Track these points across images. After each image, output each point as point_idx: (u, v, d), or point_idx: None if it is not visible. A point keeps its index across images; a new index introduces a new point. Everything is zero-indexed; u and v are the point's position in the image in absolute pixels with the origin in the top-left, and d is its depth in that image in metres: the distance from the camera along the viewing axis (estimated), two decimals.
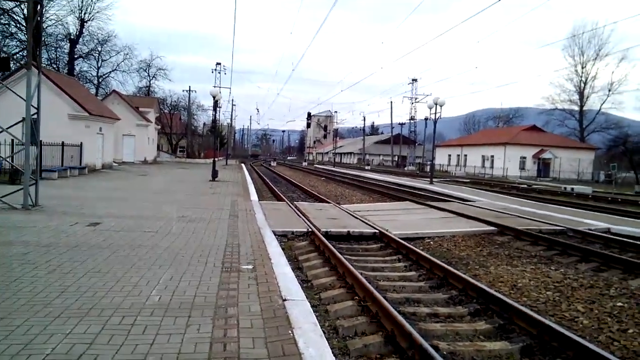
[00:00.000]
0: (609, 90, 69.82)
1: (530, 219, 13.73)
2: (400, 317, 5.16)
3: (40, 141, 13.74)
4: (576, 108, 73.25)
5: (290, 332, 4.42)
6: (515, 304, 5.92)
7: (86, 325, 4.30)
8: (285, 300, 5.37)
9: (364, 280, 6.59)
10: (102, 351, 3.80)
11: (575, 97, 72.62)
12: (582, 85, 71.47)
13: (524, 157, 59.03)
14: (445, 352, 4.78)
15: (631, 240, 10.67)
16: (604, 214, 16.56)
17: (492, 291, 6.46)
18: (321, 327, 4.79)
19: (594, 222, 13.55)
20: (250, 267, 6.84)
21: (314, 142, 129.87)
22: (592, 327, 5.73)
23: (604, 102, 70.83)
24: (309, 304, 5.41)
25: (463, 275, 7.25)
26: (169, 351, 3.87)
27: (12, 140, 19.26)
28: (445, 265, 7.81)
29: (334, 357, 4.01)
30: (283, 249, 8.62)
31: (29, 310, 4.62)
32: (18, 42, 43.29)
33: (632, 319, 5.94)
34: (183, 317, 4.64)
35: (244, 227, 10.49)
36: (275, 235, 9.90)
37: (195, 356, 3.81)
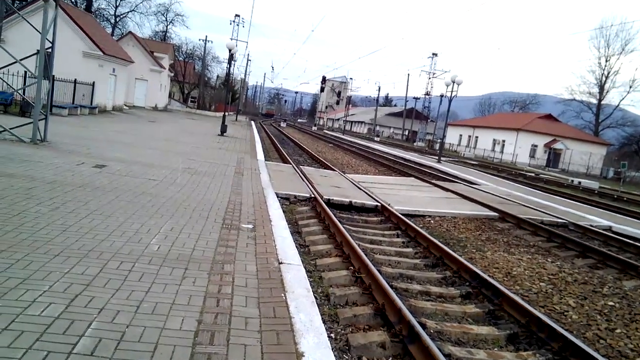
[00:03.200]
0: (630, 87, 68.51)
1: (533, 209, 13.70)
2: (392, 292, 5.21)
3: (53, 76, 13.67)
4: (594, 101, 72.04)
5: (283, 295, 4.49)
6: (507, 291, 5.96)
7: (84, 267, 4.37)
8: (281, 263, 5.43)
9: (360, 251, 6.64)
10: (98, 294, 3.88)
11: (595, 90, 71.31)
12: (604, 78, 70.02)
13: (536, 145, 58.51)
14: (432, 331, 4.86)
15: (631, 241, 10.65)
16: (607, 212, 16.50)
17: (485, 276, 6.51)
18: (313, 293, 4.87)
19: (596, 219, 13.51)
20: (250, 226, 6.89)
21: (326, 107, 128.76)
22: (581, 322, 5.79)
23: (623, 98, 69.65)
24: (304, 269, 5.48)
25: (458, 257, 7.29)
26: (163, 301, 3.94)
27: (25, 73, 19.21)
28: (443, 245, 7.84)
29: (323, 324, 4.08)
30: (284, 212, 8.67)
31: (30, 245, 4.69)
32: None
33: (622, 319, 5.99)
34: (180, 269, 4.71)
35: (247, 185, 10.53)
36: (277, 197, 9.95)
37: (189, 308, 3.88)
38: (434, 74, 73.03)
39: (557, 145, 57.59)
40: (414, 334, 4.39)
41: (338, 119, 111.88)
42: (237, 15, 60.62)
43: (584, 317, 5.95)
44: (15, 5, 18.34)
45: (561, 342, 4.79)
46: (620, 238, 10.96)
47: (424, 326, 4.74)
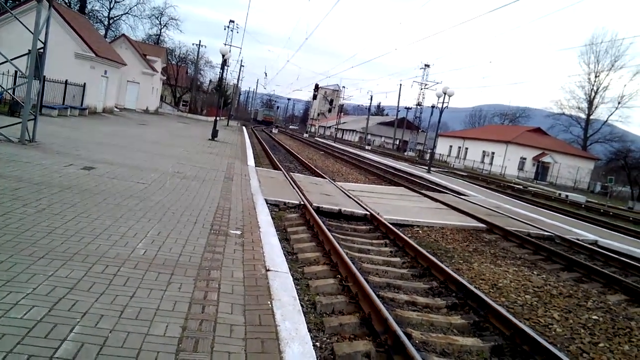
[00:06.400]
0: (619, 103, 69.60)
1: (521, 221, 13.80)
2: (378, 302, 5.22)
3: (44, 76, 13.57)
4: (583, 116, 73.05)
5: (269, 302, 4.47)
6: (493, 303, 5.98)
7: (69, 270, 4.33)
8: (268, 270, 5.42)
9: (348, 260, 6.64)
10: (82, 297, 3.84)
11: (584, 105, 72.34)
12: (593, 94, 71.09)
13: (524, 158, 59.06)
14: (417, 341, 4.86)
15: (616, 256, 10.77)
16: (593, 226, 16.66)
17: (471, 287, 6.53)
18: (300, 301, 4.85)
19: (582, 233, 13.64)
20: (238, 232, 6.87)
21: (318, 115, 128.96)
22: (565, 336, 5.83)
23: (611, 114, 70.69)
24: (291, 277, 5.47)
25: (446, 268, 7.31)
26: (148, 306, 3.91)
27: (16, 72, 19.07)
28: (430, 256, 7.87)
29: (308, 333, 4.07)
30: (273, 219, 8.66)
31: (14, 247, 4.64)
32: None
33: (605, 333, 6.05)
34: (166, 274, 4.68)
35: (237, 191, 10.51)
36: (267, 203, 9.93)
37: (173, 314, 3.85)
38: (425, 84, 73.48)
39: (546, 159, 58.18)
40: (400, 344, 4.39)
41: (330, 127, 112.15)
42: (231, 21, 60.62)
43: (568, 331, 5.99)
44: (8, 4, 18.21)
45: (545, 356, 4.82)
46: (606, 252, 11.07)
47: (409, 336, 4.74)
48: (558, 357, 4.69)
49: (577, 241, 11.90)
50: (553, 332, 5.90)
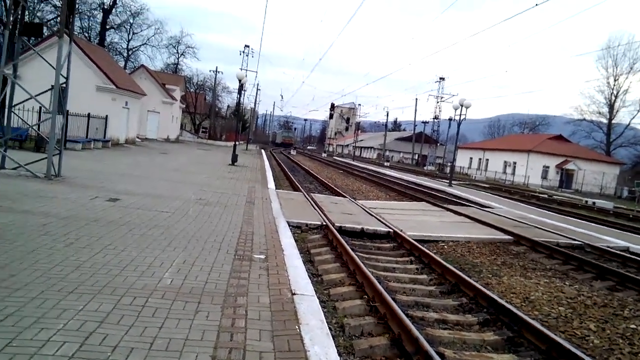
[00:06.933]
0: None
1: (548, 231, 13.52)
2: (408, 321, 5.14)
3: (67, 111, 13.92)
4: (604, 120, 71.83)
5: (297, 327, 4.43)
6: (526, 317, 5.84)
7: (98, 303, 4.37)
8: (294, 294, 5.39)
9: (374, 279, 6.58)
10: (112, 331, 3.86)
11: (605, 109, 71.17)
12: (613, 98, 69.93)
13: (547, 167, 58.11)
14: None
15: None
16: (624, 232, 16.22)
17: (503, 302, 6.39)
18: (328, 325, 4.80)
19: (613, 240, 13.28)
20: (262, 257, 6.87)
21: (335, 134, 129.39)
22: (603, 347, 5.64)
23: (634, 117, 69.52)
24: (317, 299, 5.42)
25: (475, 283, 7.18)
26: (177, 336, 3.91)
27: (40, 108, 19.60)
28: (458, 271, 7.74)
29: (338, 357, 4.01)
30: (296, 241, 8.64)
31: (45, 282, 4.71)
32: (52, 7, 43.96)
33: None
34: (193, 303, 4.68)
35: (259, 215, 10.54)
36: (289, 225, 9.93)
37: (202, 344, 3.84)
38: (441, 97, 73.41)
39: (569, 166, 57.14)
40: None
41: (347, 145, 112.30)
42: (246, 46, 61.72)
43: (605, 342, 5.80)
44: (31, 42, 18.85)
45: None
46: (638, 259, 10.74)
47: (442, 356, 4.65)
48: None
49: (608, 249, 11.59)
50: (590, 344, 5.71)
